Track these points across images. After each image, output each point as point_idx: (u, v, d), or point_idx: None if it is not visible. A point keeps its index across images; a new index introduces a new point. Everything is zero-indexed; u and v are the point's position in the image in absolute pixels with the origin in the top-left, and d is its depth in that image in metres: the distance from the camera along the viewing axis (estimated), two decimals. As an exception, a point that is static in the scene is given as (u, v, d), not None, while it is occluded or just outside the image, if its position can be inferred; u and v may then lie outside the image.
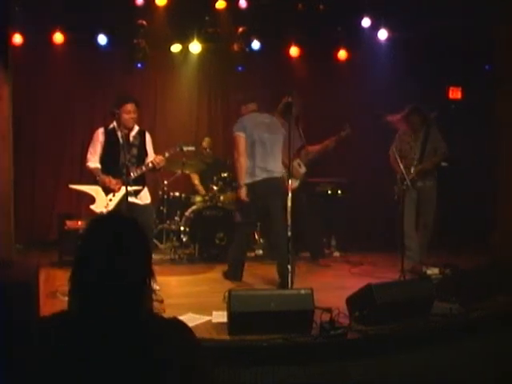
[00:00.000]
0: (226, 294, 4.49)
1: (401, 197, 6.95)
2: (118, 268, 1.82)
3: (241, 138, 6.22)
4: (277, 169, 6.37)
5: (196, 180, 8.96)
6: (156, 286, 5.65)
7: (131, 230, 1.93)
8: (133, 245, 1.89)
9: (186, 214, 8.11)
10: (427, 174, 7.13)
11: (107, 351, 1.74)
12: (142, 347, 1.77)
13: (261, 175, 6.21)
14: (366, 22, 8.89)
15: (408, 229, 6.98)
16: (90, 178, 6.05)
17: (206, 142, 9.01)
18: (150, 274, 1.93)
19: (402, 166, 6.52)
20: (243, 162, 6.20)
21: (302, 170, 7.50)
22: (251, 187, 6.22)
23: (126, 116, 5.86)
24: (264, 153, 6.23)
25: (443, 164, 7.75)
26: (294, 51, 9.63)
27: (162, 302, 5.06)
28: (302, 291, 4.49)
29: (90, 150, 5.99)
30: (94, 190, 5.87)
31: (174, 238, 8.20)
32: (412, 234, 7.03)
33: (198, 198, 8.47)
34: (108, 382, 1.73)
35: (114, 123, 5.90)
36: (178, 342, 1.86)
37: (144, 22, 8.65)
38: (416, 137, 7.20)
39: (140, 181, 5.96)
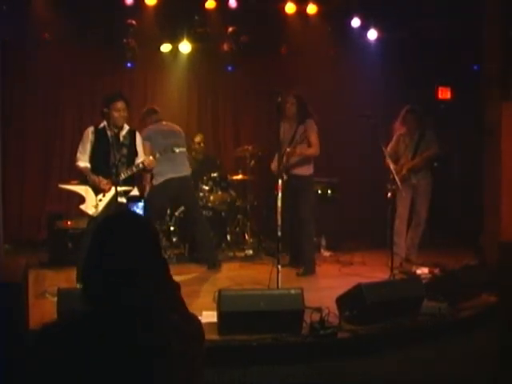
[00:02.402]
0: (216, 293, 4.49)
1: (393, 195, 7.02)
2: (124, 267, 1.82)
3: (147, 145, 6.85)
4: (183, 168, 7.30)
5: None
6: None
7: (137, 229, 1.93)
8: (138, 243, 1.88)
9: (176, 213, 8.10)
10: (420, 172, 7.23)
11: (110, 351, 1.74)
12: (149, 347, 1.77)
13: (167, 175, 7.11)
14: (355, 22, 8.91)
15: (398, 226, 7.03)
16: (80, 177, 6.02)
17: (199, 137, 8.98)
18: (161, 271, 1.93)
19: (392, 167, 6.54)
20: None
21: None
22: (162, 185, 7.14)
23: (115, 114, 5.83)
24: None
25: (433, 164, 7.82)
26: (284, 51, 9.66)
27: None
28: (292, 291, 4.50)
29: (80, 149, 5.94)
30: (83, 190, 5.84)
31: (164, 238, 8.18)
32: (401, 231, 7.17)
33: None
34: (109, 382, 1.73)
35: (104, 122, 5.86)
36: (190, 341, 1.87)
37: (134, 22, 8.62)
38: (411, 137, 7.33)
39: (130, 181, 5.93)
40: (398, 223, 7.07)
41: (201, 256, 7.48)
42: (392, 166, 6.57)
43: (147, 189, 7.47)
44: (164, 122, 7.49)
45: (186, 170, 7.34)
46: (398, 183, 6.45)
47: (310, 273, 6.92)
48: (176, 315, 1.91)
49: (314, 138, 7.00)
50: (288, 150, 6.88)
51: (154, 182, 7.18)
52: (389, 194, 7.05)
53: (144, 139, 6.65)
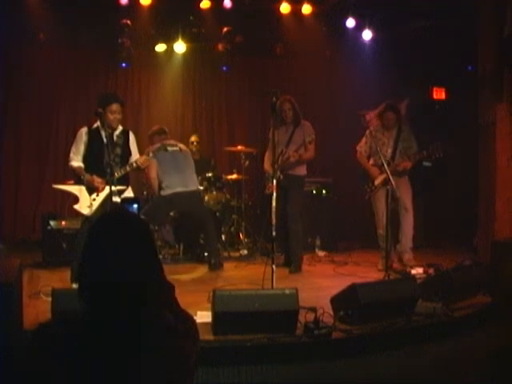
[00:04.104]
0: (211, 293, 4.49)
1: (371, 197, 7.00)
2: (120, 267, 1.83)
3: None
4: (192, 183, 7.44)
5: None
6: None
7: (132, 228, 1.94)
8: (133, 243, 1.89)
9: (171, 213, 8.09)
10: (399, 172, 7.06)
11: (111, 351, 1.74)
12: (144, 346, 1.78)
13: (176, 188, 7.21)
14: (350, 23, 8.92)
15: (380, 230, 6.98)
16: (74, 177, 6.01)
17: (194, 137, 8.96)
18: (156, 271, 1.94)
19: (386, 167, 6.38)
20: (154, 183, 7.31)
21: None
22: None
23: (110, 116, 5.81)
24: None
25: (426, 164, 7.77)
26: (278, 51, 9.66)
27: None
28: (287, 291, 4.49)
29: (73, 149, 5.93)
30: (77, 190, 5.83)
31: (159, 239, 8.17)
32: (383, 237, 6.75)
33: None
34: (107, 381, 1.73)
35: (98, 123, 5.85)
36: (186, 339, 1.88)
37: (128, 22, 8.62)
38: (389, 134, 7.14)
39: (124, 180, 5.92)
40: (379, 231, 7.02)
41: (206, 256, 7.52)
42: (386, 167, 6.41)
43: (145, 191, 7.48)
44: (170, 141, 7.50)
45: (194, 185, 7.44)
46: (393, 182, 6.32)
47: (297, 270, 7.00)
48: (171, 315, 1.92)
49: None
50: (291, 153, 6.94)
51: (163, 193, 7.20)
52: (367, 196, 7.05)
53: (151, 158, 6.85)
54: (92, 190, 5.79)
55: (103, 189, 5.76)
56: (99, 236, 1.90)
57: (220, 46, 9.35)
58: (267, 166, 7.26)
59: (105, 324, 1.78)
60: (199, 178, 8.32)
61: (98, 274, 1.83)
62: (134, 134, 6.30)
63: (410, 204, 7.07)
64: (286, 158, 6.98)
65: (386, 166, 6.36)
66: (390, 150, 7.08)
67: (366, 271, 6.92)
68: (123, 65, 9.29)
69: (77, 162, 5.89)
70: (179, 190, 7.19)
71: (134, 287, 1.83)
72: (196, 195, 7.46)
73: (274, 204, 5.59)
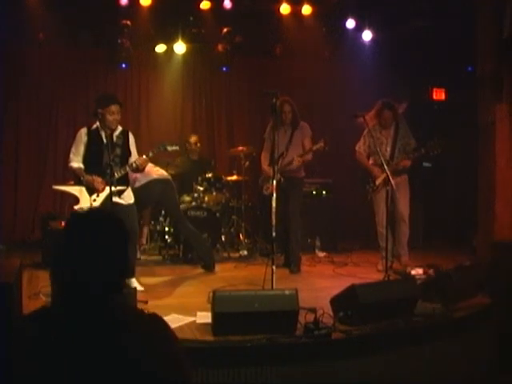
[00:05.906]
0: (211, 294, 4.48)
1: (373, 197, 6.98)
2: (91, 266, 1.86)
3: None
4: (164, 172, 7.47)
5: None
6: (140, 287, 5.64)
7: (106, 228, 1.96)
8: (106, 243, 1.92)
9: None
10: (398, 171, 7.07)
11: (79, 347, 1.76)
12: (114, 345, 1.79)
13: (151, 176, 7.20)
14: (350, 23, 8.92)
15: (381, 231, 6.97)
16: (74, 178, 6.00)
17: (194, 138, 8.95)
18: (124, 272, 1.99)
19: (386, 168, 6.36)
20: None
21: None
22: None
23: (109, 117, 5.79)
24: None
25: (426, 165, 7.76)
26: (278, 51, 9.66)
27: (146, 302, 5.06)
28: (287, 292, 4.49)
29: (73, 150, 5.92)
30: (77, 191, 5.81)
31: (159, 239, 8.17)
32: (383, 235, 6.74)
33: (183, 199, 8.44)
34: (79, 379, 1.74)
35: (97, 123, 5.84)
36: (152, 338, 1.89)
37: (128, 22, 8.63)
38: (387, 133, 7.13)
39: (123, 181, 5.91)
40: (379, 229, 7.02)
41: (197, 257, 7.47)
42: (386, 167, 6.39)
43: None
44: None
45: (167, 174, 7.43)
46: (392, 183, 6.31)
47: (298, 270, 7.05)
48: (134, 316, 1.96)
49: (308, 143, 7.14)
50: (295, 158, 6.98)
51: (137, 185, 7.11)
52: (369, 196, 7.04)
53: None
54: (92, 190, 5.78)
55: (103, 189, 5.76)
56: (66, 235, 1.94)
57: (220, 47, 9.36)
58: (265, 166, 7.27)
59: (66, 320, 1.81)
60: (199, 178, 8.33)
61: (61, 270, 1.88)
62: (134, 134, 6.29)
63: (407, 214, 7.07)
64: (287, 162, 6.99)
65: (385, 166, 6.34)
66: (389, 149, 7.07)
67: (366, 272, 6.91)
68: (123, 65, 9.30)
69: (77, 162, 5.88)
70: (154, 177, 7.20)
71: (95, 287, 1.86)
72: (170, 183, 7.35)
73: (274, 205, 5.59)
